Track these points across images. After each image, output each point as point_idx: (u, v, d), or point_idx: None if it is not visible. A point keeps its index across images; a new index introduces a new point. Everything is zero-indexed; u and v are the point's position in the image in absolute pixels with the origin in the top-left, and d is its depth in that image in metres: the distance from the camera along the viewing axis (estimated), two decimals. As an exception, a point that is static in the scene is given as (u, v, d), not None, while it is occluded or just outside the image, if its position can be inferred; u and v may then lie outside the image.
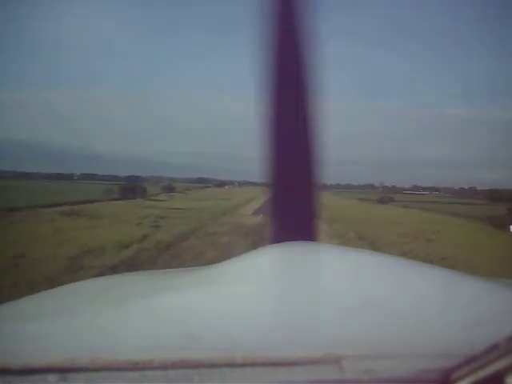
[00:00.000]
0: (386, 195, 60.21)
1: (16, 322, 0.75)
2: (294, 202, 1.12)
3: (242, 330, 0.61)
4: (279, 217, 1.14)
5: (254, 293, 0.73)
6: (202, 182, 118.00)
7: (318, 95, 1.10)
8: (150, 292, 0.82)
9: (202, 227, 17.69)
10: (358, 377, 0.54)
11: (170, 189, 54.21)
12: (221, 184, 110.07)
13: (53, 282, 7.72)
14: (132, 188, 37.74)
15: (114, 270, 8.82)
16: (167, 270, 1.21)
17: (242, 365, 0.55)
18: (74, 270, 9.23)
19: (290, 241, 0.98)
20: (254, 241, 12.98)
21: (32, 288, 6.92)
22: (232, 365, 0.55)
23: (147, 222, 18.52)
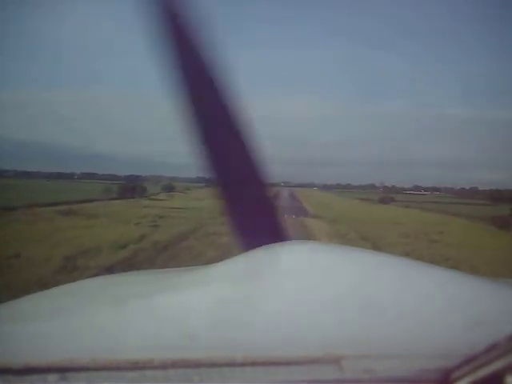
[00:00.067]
0: (388, 195, 60.20)
1: (15, 322, 0.74)
2: (250, 204, 1.10)
3: (242, 329, 0.61)
4: (240, 222, 1.11)
5: (254, 292, 0.72)
6: (203, 182, 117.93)
7: (231, 92, 1.05)
8: (150, 291, 0.82)
9: (202, 227, 17.50)
10: (357, 376, 0.54)
11: (169, 188, 54.13)
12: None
13: (47, 283, 7.55)
14: (131, 187, 37.58)
15: (109, 270, 8.62)
16: (166, 269, 1.20)
17: (242, 365, 0.55)
18: (68, 270, 9.05)
19: (259, 245, 0.96)
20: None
21: (25, 289, 6.72)
22: (232, 365, 0.55)
23: (146, 222, 18.32)
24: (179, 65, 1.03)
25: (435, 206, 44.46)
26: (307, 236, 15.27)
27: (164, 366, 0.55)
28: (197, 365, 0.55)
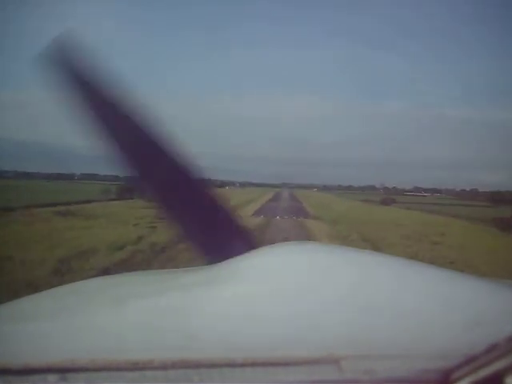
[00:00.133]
0: (389, 197, 60.08)
1: (15, 322, 0.74)
2: (192, 212, 1.09)
3: (242, 330, 0.61)
4: (190, 233, 1.09)
5: (254, 293, 0.71)
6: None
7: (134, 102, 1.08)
8: (150, 292, 0.81)
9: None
10: (357, 377, 0.55)
11: (169, 189, 53.76)
12: (221, 184, 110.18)
13: (39, 285, 7.34)
14: (130, 188, 37.33)
15: (105, 272, 8.44)
16: (166, 270, 1.17)
17: (242, 365, 0.56)
18: (62, 273, 8.87)
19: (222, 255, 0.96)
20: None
21: (15, 293, 6.51)
22: (232, 365, 0.56)
23: (144, 223, 18.11)
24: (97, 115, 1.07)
25: (436, 207, 44.32)
26: (307, 237, 15.11)
27: (164, 366, 0.55)
28: (197, 365, 0.55)
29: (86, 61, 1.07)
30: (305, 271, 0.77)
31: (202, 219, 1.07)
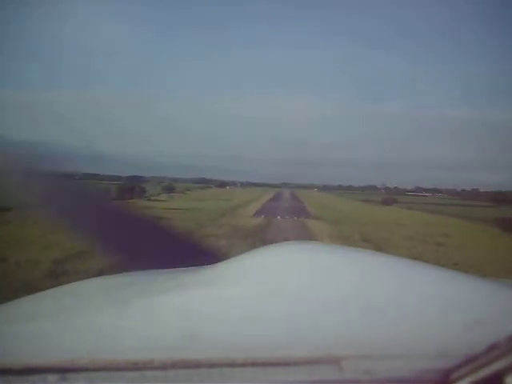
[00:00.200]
0: (390, 197, 59.83)
1: (16, 322, 0.75)
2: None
3: (242, 330, 0.62)
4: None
5: (255, 292, 0.72)
6: (204, 183, 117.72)
7: None
8: (150, 292, 0.81)
9: (200, 229, 17.06)
10: (357, 377, 0.54)
11: (170, 189, 53.69)
12: (222, 184, 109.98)
13: (32, 288, 7.10)
14: (130, 188, 37.09)
15: (100, 274, 8.17)
16: (167, 270, 1.16)
17: (242, 365, 0.56)
18: (56, 275, 8.64)
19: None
20: (253, 243, 12.31)
21: (7, 296, 6.26)
22: (232, 365, 0.56)
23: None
24: None
25: (438, 207, 44.06)
26: (309, 237, 14.90)
27: (164, 366, 0.55)
28: (197, 365, 0.55)
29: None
30: (305, 271, 0.76)
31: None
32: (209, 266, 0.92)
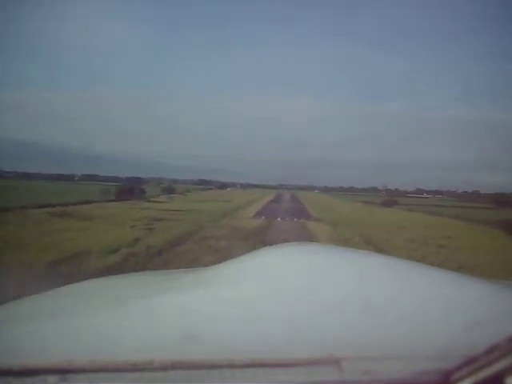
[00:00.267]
0: (391, 198, 59.55)
1: (16, 323, 0.74)
2: None
3: (242, 330, 0.61)
4: None
5: (255, 293, 0.71)
6: (204, 184, 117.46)
7: None
8: (149, 292, 0.80)
9: (199, 230, 16.87)
10: (357, 378, 0.54)
11: (169, 190, 53.47)
12: (223, 186, 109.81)
13: (24, 292, 6.89)
14: (129, 189, 36.90)
15: (97, 276, 7.99)
16: (166, 270, 1.18)
17: (242, 365, 0.55)
18: (51, 277, 8.42)
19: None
20: (253, 244, 12.12)
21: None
22: (232, 365, 0.55)
23: (141, 225, 17.72)
24: None
25: (439, 209, 43.80)
26: (309, 239, 14.73)
27: (164, 367, 0.55)
28: (197, 366, 0.55)
29: None
30: (305, 272, 0.76)
31: None
32: (208, 267, 0.90)
